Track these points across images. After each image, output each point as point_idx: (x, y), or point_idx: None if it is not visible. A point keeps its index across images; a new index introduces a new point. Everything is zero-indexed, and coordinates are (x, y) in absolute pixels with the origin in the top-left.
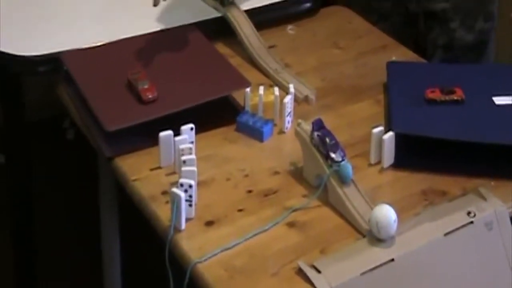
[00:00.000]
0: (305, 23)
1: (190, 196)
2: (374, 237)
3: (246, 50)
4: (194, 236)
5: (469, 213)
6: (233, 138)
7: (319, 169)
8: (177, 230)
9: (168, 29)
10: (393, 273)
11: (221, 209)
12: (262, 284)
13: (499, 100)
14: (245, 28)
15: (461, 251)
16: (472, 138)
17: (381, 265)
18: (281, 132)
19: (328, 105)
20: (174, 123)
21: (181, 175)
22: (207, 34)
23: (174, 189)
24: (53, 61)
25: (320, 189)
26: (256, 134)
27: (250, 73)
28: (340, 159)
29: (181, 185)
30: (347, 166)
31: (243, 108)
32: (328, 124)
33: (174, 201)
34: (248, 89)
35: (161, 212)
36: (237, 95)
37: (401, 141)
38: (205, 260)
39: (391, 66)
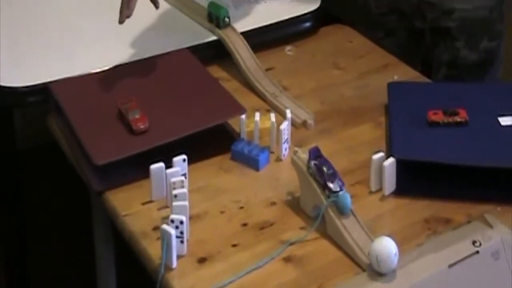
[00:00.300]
0: (304, 43)
1: (182, 233)
2: (375, 271)
3: (243, 74)
4: (186, 274)
5: (474, 242)
6: (228, 167)
7: (317, 199)
8: (168, 268)
9: (161, 55)
10: None
11: (214, 245)
12: None
13: (504, 121)
14: (241, 51)
15: (466, 283)
16: (477, 162)
17: None
18: (278, 159)
19: (327, 130)
20: (167, 154)
21: (172, 211)
22: (202, 58)
23: (164, 226)
24: (43, 91)
25: (318, 221)
26: (251, 162)
27: (247, 98)
28: (338, 189)
29: (172, 221)
30: (346, 197)
31: (239, 135)
32: (327, 149)
33: (164, 238)
34: (243, 116)
35: (152, 249)
36: (232, 121)
37: (402, 167)
38: None
39: (392, 87)
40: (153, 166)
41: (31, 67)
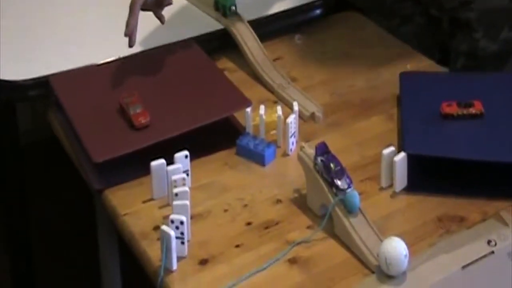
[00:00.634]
0: (314, 31)
1: (182, 233)
2: (384, 273)
3: (250, 64)
4: (186, 277)
5: (489, 241)
6: (233, 163)
7: (324, 198)
8: (168, 271)
9: (164, 46)
10: None
11: (217, 246)
12: None
13: None
14: (248, 41)
15: (481, 285)
16: (492, 157)
17: None
18: (285, 154)
19: (336, 123)
20: (170, 150)
21: (173, 210)
22: (209, 49)
23: (164, 227)
24: (44, 85)
25: (325, 220)
26: (257, 158)
27: (253, 89)
28: (346, 186)
29: (172, 221)
30: (354, 195)
31: (244, 129)
32: (336, 143)
33: (164, 240)
34: (249, 109)
35: (152, 250)
36: (238, 115)
37: (414, 163)
38: None
39: (405, 77)
40: (154, 163)
41: (32, 60)
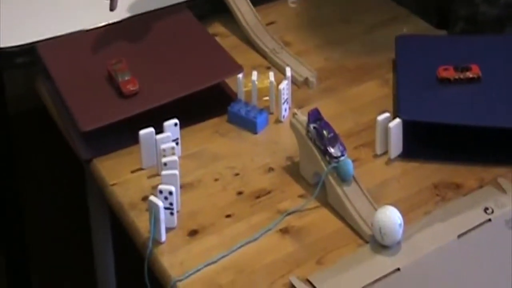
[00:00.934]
0: None
1: (171, 204)
2: (378, 243)
3: (242, 29)
4: (175, 248)
5: (486, 209)
6: (225, 130)
7: (317, 166)
8: (157, 242)
9: (153, 11)
10: (400, 284)
11: (207, 216)
12: None
13: None
14: (241, 5)
15: (478, 254)
16: (490, 122)
17: (385, 276)
18: (278, 121)
19: (331, 88)
20: (159, 118)
21: (162, 180)
22: (199, 13)
23: (152, 198)
24: (31, 52)
25: (318, 189)
26: (249, 125)
27: (246, 55)
28: (339, 154)
29: (161, 192)
30: (348, 163)
31: (236, 96)
32: (330, 110)
33: (152, 211)
34: (240, 75)
35: (141, 221)
36: (230, 81)
37: (409, 129)
38: (187, 277)
39: (400, 40)
40: (142, 132)
41: (18, 26)
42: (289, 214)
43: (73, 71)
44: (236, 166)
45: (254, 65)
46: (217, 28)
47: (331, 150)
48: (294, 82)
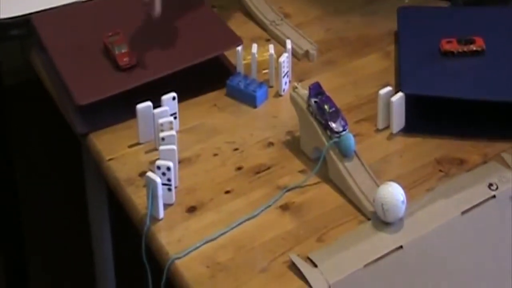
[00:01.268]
0: None
1: (169, 180)
2: (380, 220)
3: (241, 1)
4: (173, 225)
5: (490, 185)
6: (223, 104)
7: (318, 141)
8: (155, 219)
9: None
10: (402, 262)
11: (206, 192)
12: (248, 284)
13: None
14: None
15: (481, 231)
16: (494, 96)
17: (387, 254)
18: (278, 95)
19: (331, 61)
20: (157, 92)
21: (159, 155)
22: None
23: (149, 174)
24: (26, 24)
25: (319, 165)
26: (248, 99)
27: (245, 27)
28: (340, 129)
29: (158, 167)
30: (349, 138)
31: (235, 69)
32: (331, 83)
33: (150, 187)
34: (239, 48)
35: (138, 198)
36: (229, 54)
37: (412, 103)
38: (185, 255)
39: (402, 12)
40: (140, 106)
41: None
42: (289, 190)
43: (68, 43)
44: (235, 140)
45: (253, 37)
46: (215, 0)
47: (333, 125)
48: (294, 54)
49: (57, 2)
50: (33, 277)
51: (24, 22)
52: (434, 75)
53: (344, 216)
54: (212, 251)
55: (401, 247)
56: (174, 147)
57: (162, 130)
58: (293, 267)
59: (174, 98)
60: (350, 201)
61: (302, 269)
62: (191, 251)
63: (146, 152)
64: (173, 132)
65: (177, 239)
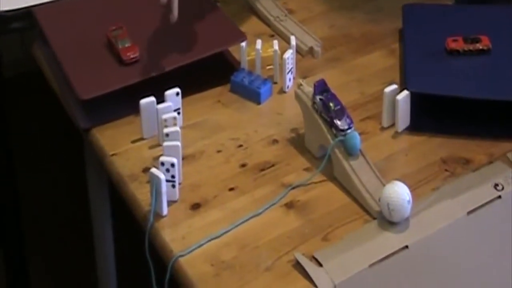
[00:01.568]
0: None
1: (173, 176)
2: (386, 219)
3: None
4: (177, 222)
5: (496, 185)
6: (227, 100)
7: (323, 138)
8: (159, 216)
9: None
10: (408, 262)
11: (210, 189)
12: (253, 283)
13: None
14: None
15: (487, 232)
16: (500, 95)
17: (393, 253)
18: (282, 91)
19: (336, 58)
20: (160, 87)
21: (163, 152)
22: None
23: (153, 170)
24: (28, 16)
25: (324, 163)
26: (252, 95)
27: (249, 23)
28: (346, 127)
29: (162, 164)
30: (355, 136)
31: (239, 64)
32: (335, 80)
33: (154, 183)
34: (243, 43)
35: (141, 194)
36: (233, 50)
37: (417, 101)
38: (189, 253)
39: (408, 9)
40: (143, 101)
41: None
42: (294, 188)
43: (71, 37)
44: (240, 137)
45: (257, 33)
46: None
47: (338, 122)
48: (298, 51)
49: None
50: (34, 274)
51: (25, 15)
52: (440, 73)
53: (349, 215)
54: (216, 249)
55: (406, 247)
56: (179, 143)
57: (165, 126)
58: (298, 266)
59: (177, 94)
60: (355, 200)
61: (307, 269)
62: (195, 248)
63: (150, 148)
64: (177, 128)
65: (181, 236)
